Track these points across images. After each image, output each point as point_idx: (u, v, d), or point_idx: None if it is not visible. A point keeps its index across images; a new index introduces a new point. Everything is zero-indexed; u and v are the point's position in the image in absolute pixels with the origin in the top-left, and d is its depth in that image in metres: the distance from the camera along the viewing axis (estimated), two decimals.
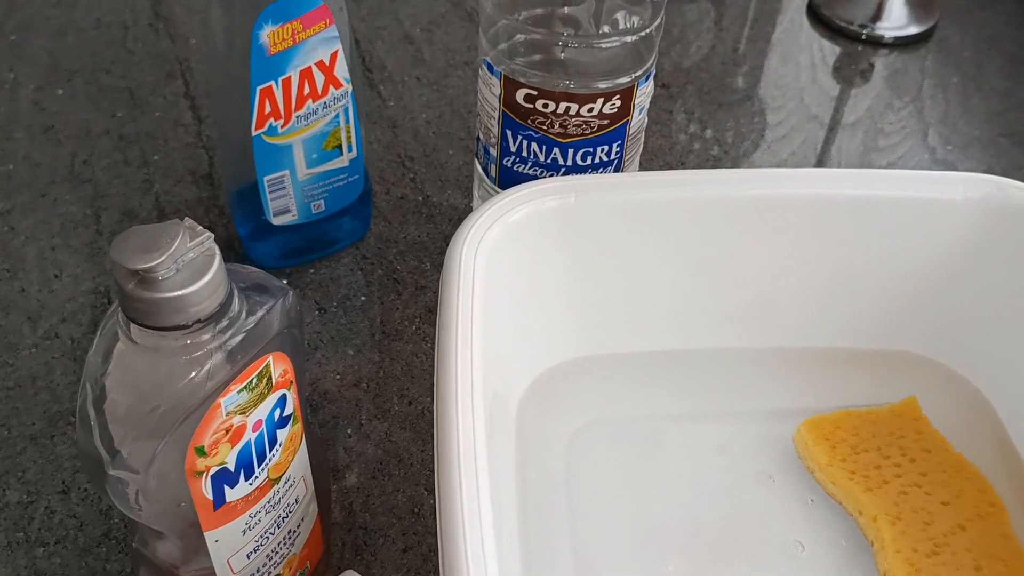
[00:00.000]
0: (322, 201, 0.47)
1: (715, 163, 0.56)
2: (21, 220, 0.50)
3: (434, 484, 0.41)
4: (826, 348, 0.44)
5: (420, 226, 0.51)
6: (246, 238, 0.48)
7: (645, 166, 0.55)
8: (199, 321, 0.25)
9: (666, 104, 0.60)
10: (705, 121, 0.59)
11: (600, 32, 0.40)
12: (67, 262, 0.48)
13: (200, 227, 0.25)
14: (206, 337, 0.26)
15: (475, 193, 0.49)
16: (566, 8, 0.40)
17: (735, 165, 0.56)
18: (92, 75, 0.58)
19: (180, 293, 0.25)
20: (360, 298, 0.48)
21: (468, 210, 0.52)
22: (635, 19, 0.40)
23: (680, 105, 0.60)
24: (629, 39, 0.40)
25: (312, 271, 0.49)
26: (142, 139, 0.55)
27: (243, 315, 0.27)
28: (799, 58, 0.65)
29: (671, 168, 0.56)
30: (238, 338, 0.27)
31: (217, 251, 0.26)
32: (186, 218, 0.25)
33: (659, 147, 0.57)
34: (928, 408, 0.42)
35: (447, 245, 0.50)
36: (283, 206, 0.46)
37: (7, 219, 0.50)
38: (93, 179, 0.52)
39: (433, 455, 0.42)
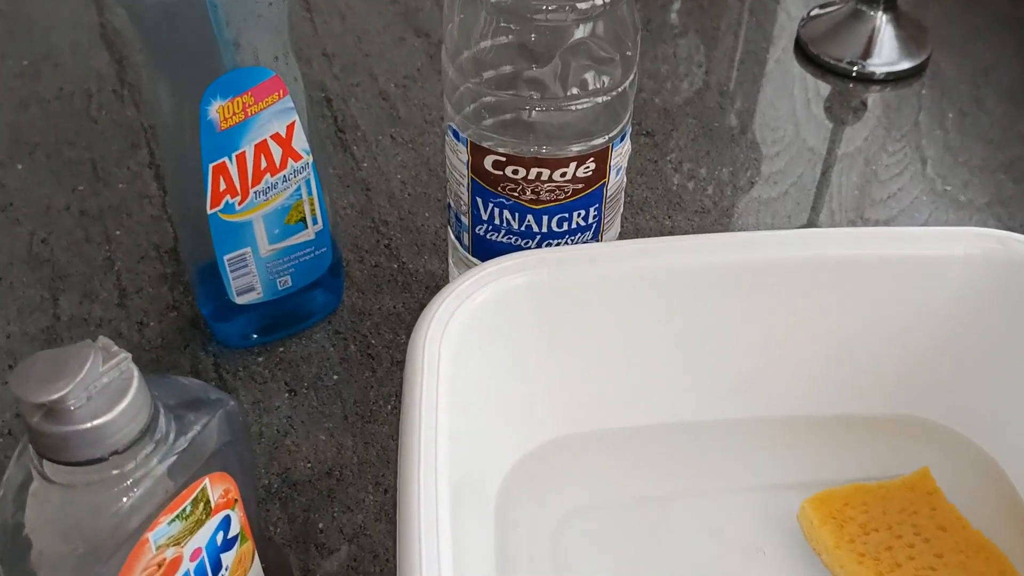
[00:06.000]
0: (288, 277, 0.44)
1: (709, 206, 0.54)
2: None
3: None
4: (829, 416, 0.41)
5: (396, 296, 0.49)
6: (210, 318, 0.46)
7: (633, 219, 0.53)
8: (117, 452, 0.23)
9: (657, 146, 0.57)
10: (698, 161, 0.57)
11: (568, 94, 0.37)
12: (23, 351, 0.46)
13: (116, 347, 0.23)
14: (129, 467, 0.23)
15: (449, 261, 0.46)
16: (532, 69, 0.37)
17: (729, 207, 0.54)
18: (55, 148, 0.56)
19: (92, 424, 0.22)
20: (333, 377, 0.45)
21: (445, 277, 0.50)
22: (605, 79, 0.37)
23: (673, 144, 0.58)
24: (601, 100, 0.38)
25: (282, 349, 0.46)
26: (105, 214, 0.52)
27: (171, 437, 0.24)
28: (789, 95, 0.63)
29: (659, 219, 0.53)
30: (165, 465, 0.24)
31: (135, 372, 0.23)
32: (100, 337, 0.23)
33: (646, 199, 0.54)
34: (940, 477, 0.39)
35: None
36: (247, 284, 0.43)
37: None
38: (52, 259, 0.50)
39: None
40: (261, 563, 0.31)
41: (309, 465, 0.42)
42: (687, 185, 0.56)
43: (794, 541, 0.38)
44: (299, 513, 0.40)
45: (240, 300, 0.44)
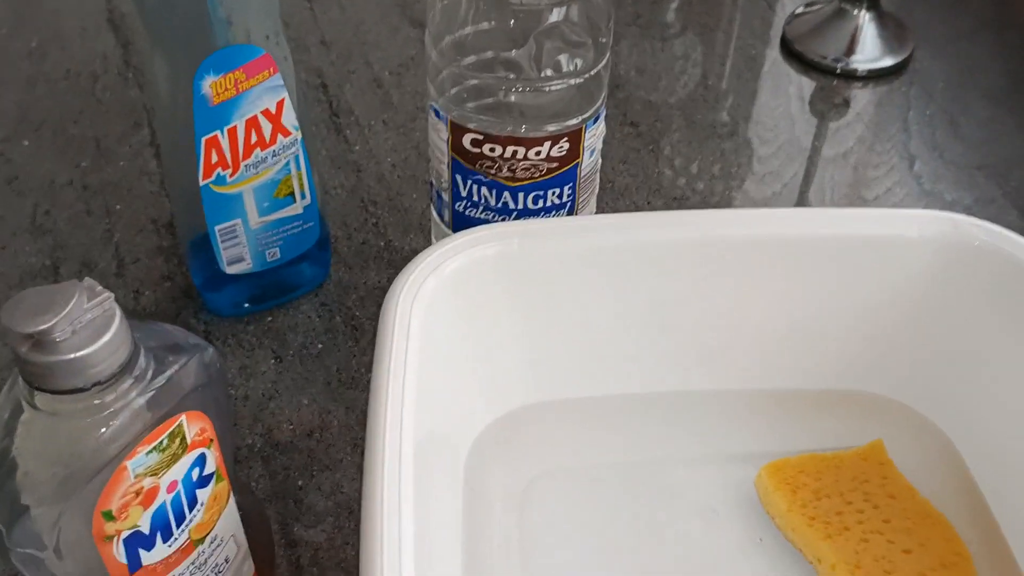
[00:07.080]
0: (277, 249, 0.46)
1: (689, 194, 0.55)
2: None
3: None
4: (788, 390, 0.43)
5: (381, 271, 0.51)
6: (201, 287, 0.48)
7: (613, 204, 0.55)
8: (99, 383, 0.25)
9: (640, 135, 0.59)
10: (683, 152, 0.59)
11: (542, 76, 0.39)
12: None
13: (100, 287, 0.25)
14: (109, 398, 0.25)
15: (432, 237, 0.48)
16: (511, 52, 0.39)
17: (710, 197, 0.56)
18: (59, 125, 0.58)
19: (76, 355, 0.24)
20: (317, 346, 0.47)
21: None
22: (578, 61, 0.39)
23: (665, 141, 0.59)
24: (574, 81, 0.40)
25: (270, 318, 0.48)
26: (106, 189, 0.55)
27: (150, 374, 0.26)
28: (775, 91, 0.64)
29: (639, 205, 0.55)
30: (144, 398, 0.26)
31: (118, 310, 0.25)
32: (86, 278, 0.25)
33: (626, 185, 0.56)
34: (894, 451, 0.40)
35: None
36: (236, 255, 0.45)
37: None
38: (54, 230, 0.52)
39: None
40: (240, 511, 0.33)
41: (291, 427, 0.44)
42: (670, 175, 0.57)
43: (750, 506, 0.40)
44: (280, 471, 0.42)
45: (230, 270, 0.46)
